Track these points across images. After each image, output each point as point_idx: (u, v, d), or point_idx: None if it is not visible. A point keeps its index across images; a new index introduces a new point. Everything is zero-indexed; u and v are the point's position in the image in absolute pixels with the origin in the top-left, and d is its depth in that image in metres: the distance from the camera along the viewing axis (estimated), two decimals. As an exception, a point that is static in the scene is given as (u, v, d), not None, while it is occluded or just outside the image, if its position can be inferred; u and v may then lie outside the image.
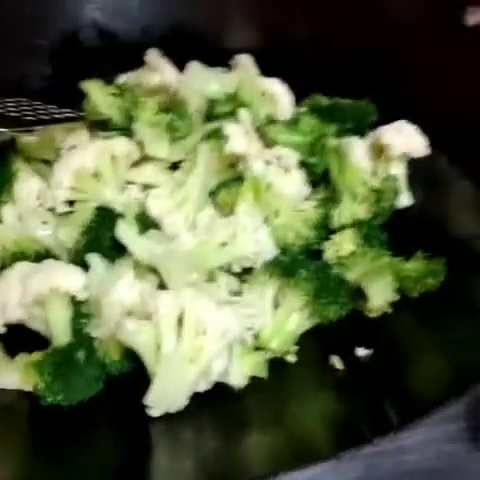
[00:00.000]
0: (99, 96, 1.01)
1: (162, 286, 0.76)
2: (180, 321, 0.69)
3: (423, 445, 0.80)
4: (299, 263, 0.77)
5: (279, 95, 1.02)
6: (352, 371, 0.73)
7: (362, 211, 0.85)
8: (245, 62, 1.05)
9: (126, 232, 0.77)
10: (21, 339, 0.78)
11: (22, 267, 0.78)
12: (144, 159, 0.89)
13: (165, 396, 0.68)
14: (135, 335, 0.69)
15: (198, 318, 0.69)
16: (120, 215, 0.80)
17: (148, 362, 0.69)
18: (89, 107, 1.01)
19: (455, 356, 0.71)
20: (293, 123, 0.94)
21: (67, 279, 0.75)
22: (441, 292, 0.78)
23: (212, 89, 1.01)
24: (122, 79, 1.04)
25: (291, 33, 1.09)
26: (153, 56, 1.04)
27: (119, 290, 0.74)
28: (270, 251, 0.78)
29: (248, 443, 0.69)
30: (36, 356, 0.73)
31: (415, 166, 0.93)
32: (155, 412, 0.69)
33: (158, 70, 1.03)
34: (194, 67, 1.02)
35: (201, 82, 1.01)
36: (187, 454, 0.68)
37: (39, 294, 0.74)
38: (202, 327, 0.69)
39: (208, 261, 0.76)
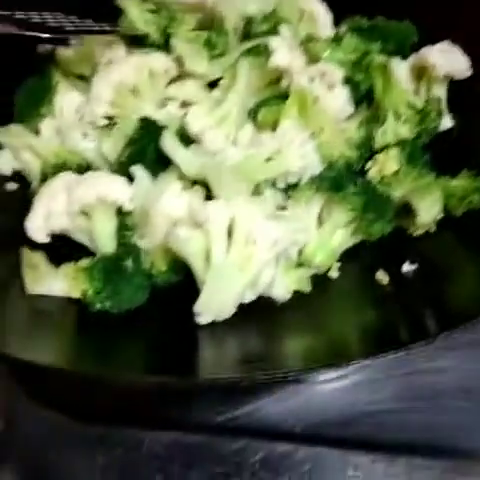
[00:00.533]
0: (136, 12, 1.00)
1: (208, 198, 0.75)
2: (230, 231, 0.69)
3: (459, 365, 0.81)
4: (346, 178, 0.76)
5: (318, 14, 1.00)
6: (397, 286, 0.74)
7: (406, 131, 0.84)
8: (284, -20, 1.02)
9: (171, 143, 0.77)
10: (64, 250, 0.78)
11: (67, 177, 0.77)
12: (182, 76, 0.88)
13: (214, 304, 0.69)
14: (186, 243, 0.69)
15: (248, 227, 0.69)
16: (164, 127, 0.79)
17: (197, 270, 0.70)
18: (126, 23, 0.99)
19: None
20: (335, 41, 0.92)
21: (114, 189, 0.75)
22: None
23: (250, 7, 0.98)
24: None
25: None
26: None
27: (167, 200, 0.73)
28: (316, 166, 0.78)
29: (288, 344, 0.70)
30: (84, 263, 0.73)
31: (455, 88, 0.91)
32: (203, 319, 0.69)
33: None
34: (232, -16, 1.00)
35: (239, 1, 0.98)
36: (231, 354, 0.70)
37: (86, 203, 0.74)
38: (252, 236, 0.69)
39: (255, 175, 0.75)
